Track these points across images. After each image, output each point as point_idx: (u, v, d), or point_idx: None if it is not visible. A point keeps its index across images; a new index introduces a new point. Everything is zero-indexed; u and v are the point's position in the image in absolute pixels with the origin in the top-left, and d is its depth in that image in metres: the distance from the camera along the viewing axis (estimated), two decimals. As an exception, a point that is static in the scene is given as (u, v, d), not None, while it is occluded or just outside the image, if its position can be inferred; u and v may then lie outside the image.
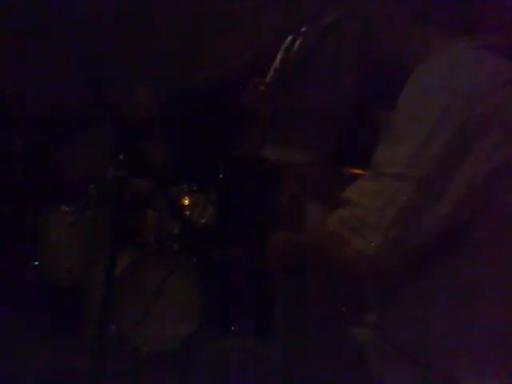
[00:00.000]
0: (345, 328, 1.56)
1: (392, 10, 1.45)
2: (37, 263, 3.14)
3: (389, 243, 1.26)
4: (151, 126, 3.22)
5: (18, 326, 2.89)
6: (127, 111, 3.06)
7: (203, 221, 3.09)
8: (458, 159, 1.25)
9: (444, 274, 1.31)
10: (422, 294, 1.34)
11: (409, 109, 1.30)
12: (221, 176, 3.06)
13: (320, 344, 1.53)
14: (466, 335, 1.32)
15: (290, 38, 2.67)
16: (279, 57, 2.72)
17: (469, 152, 1.25)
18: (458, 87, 1.28)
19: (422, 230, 1.27)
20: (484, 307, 1.32)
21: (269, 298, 2.82)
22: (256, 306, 2.87)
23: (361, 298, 1.59)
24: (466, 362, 1.32)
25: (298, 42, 2.59)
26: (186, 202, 3.12)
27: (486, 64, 1.35)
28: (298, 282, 2.55)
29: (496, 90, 1.30)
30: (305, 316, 2.55)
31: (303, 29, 2.62)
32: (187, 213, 3.08)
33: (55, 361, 2.73)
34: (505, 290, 1.32)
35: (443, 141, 1.25)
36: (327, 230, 1.33)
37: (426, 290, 1.33)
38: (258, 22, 3.06)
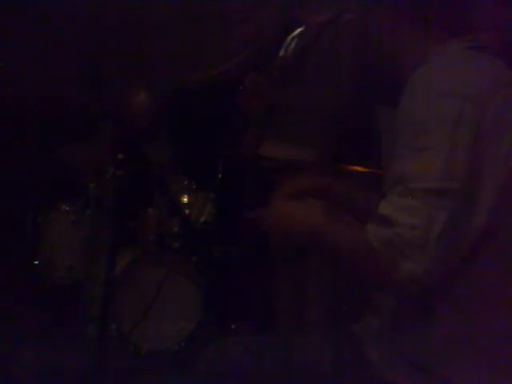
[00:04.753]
0: (345, 328, 1.56)
1: (388, 10, 1.45)
2: (37, 262, 3.14)
3: (436, 264, 1.24)
4: (150, 125, 3.22)
5: (18, 325, 2.89)
6: (126, 111, 3.06)
7: (202, 219, 3.09)
8: (482, 164, 1.26)
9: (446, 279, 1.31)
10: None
11: (421, 117, 1.30)
12: (220, 174, 3.06)
13: (320, 343, 1.53)
14: (466, 339, 1.32)
15: (288, 35, 2.67)
16: (278, 54, 2.71)
17: (489, 155, 1.26)
18: (466, 91, 1.28)
19: (464, 244, 1.27)
20: (484, 311, 1.32)
21: (269, 296, 2.82)
22: (256, 304, 2.87)
23: (362, 298, 1.59)
24: (466, 366, 1.32)
25: (295, 39, 2.59)
26: (186, 200, 3.12)
27: (487, 65, 1.36)
28: (299, 280, 2.56)
29: (501, 90, 1.31)
30: (305, 315, 2.56)
31: (301, 25, 2.62)
32: (186, 211, 3.08)
33: (55, 359, 2.74)
34: (505, 294, 1.33)
35: (465, 148, 1.25)
36: (364, 243, 1.29)
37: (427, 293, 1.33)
38: (256, 19, 3.06)
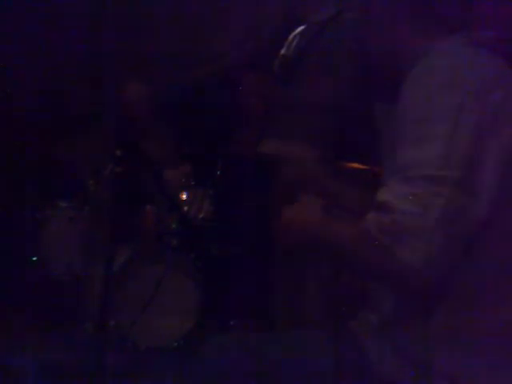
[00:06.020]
0: (345, 326, 1.56)
1: (390, 7, 1.46)
2: (35, 258, 3.14)
3: (433, 252, 1.24)
4: (149, 122, 3.22)
5: (17, 322, 2.89)
6: (124, 107, 3.05)
7: (201, 216, 3.09)
8: (481, 155, 1.26)
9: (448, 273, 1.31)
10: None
11: (422, 109, 1.31)
12: (219, 171, 3.06)
13: (320, 341, 1.53)
14: (467, 336, 1.33)
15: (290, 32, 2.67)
16: (279, 52, 2.71)
17: (489, 147, 1.27)
18: (467, 85, 1.30)
19: (462, 234, 1.27)
20: (485, 307, 1.32)
21: (268, 293, 2.82)
22: (255, 302, 2.87)
23: (361, 296, 1.59)
24: (466, 363, 1.32)
25: (297, 37, 2.58)
26: (184, 196, 3.12)
27: (486, 61, 1.37)
28: (299, 278, 2.56)
29: (500, 85, 1.32)
30: (305, 312, 2.56)
31: (303, 24, 2.61)
32: (185, 208, 3.08)
33: (55, 356, 2.74)
34: (505, 291, 1.33)
35: (465, 139, 1.26)
36: (363, 232, 1.29)
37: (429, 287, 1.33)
38: (257, 17, 3.06)
